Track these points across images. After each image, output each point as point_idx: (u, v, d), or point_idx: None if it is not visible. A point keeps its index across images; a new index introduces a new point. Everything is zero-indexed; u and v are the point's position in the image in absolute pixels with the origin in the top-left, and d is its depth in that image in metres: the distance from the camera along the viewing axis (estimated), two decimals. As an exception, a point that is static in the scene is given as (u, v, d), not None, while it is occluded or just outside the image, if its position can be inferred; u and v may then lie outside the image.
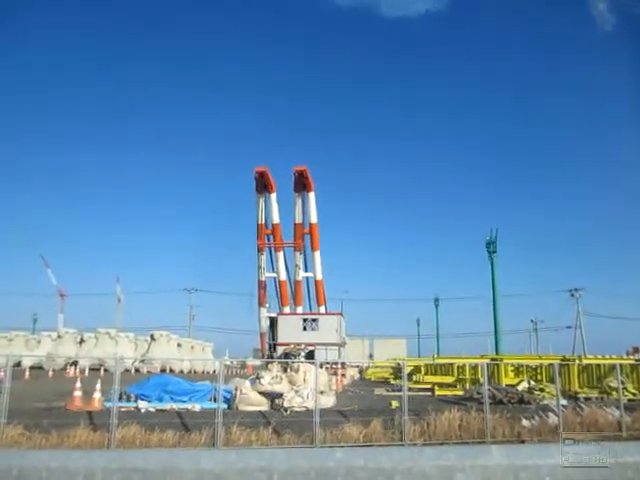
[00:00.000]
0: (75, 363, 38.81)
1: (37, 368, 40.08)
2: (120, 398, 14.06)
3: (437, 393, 22.04)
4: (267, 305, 55.22)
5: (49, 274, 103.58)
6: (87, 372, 35.28)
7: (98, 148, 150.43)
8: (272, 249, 58.56)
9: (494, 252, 52.31)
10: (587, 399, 18.54)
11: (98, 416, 13.18)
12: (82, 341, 47.43)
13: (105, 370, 34.92)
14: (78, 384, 15.39)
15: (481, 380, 18.59)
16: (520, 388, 19.21)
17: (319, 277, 58.27)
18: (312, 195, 56.26)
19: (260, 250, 56.31)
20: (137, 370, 40.97)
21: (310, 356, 37.72)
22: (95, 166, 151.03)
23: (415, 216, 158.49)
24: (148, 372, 38.63)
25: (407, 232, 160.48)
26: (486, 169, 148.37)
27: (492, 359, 25.78)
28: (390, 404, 16.19)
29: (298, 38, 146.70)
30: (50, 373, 34.24)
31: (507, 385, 20.38)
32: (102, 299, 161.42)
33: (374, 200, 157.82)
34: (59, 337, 48.51)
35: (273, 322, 44.30)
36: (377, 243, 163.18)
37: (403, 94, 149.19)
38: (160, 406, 14.59)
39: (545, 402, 16.90)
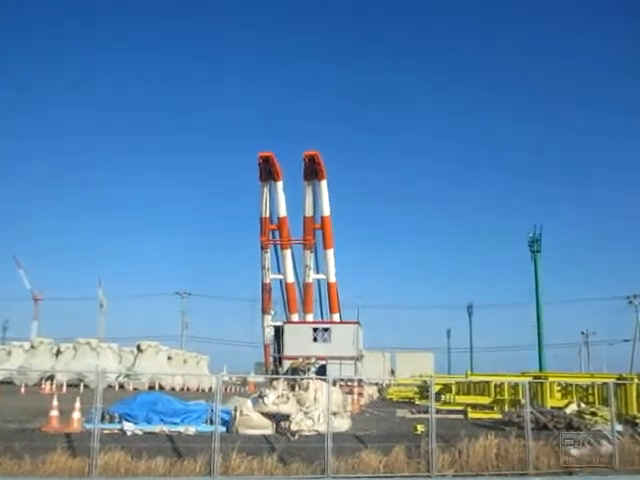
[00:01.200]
0: (51, 378, 39.13)
1: (7, 383, 40.51)
2: (102, 419, 14.16)
3: (470, 416, 21.97)
4: (272, 312, 55.51)
5: (22, 276, 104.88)
6: (65, 388, 35.54)
7: (76, 141, 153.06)
8: (278, 247, 58.79)
9: (538, 251, 51.98)
10: (648, 425, 18.38)
11: (77, 439, 13.31)
12: (59, 352, 47.85)
13: (85, 386, 35.18)
14: (55, 402, 15.53)
15: (522, 401, 18.50)
16: (568, 411, 19.06)
17: (332, 280, 58.37)
18: (324, 184, 56.31)
19: (264, 248, 56.45)
20: (122, 386, 41.25)
21: (321, 372, 37.85)
22: (72, 158, 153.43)
23: (444, 213, 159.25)
24: (134, 389, 38.86)
25: (434, 231, 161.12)
26: (529, 165, 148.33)
27: (535, 377, 25.63)
28: (415, 428, 16.18)
29: (310, 24, 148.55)
30: (22, 389, 34.59)
31: (553, 407, 20.23)
32: (82, 304, 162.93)
33: (395, 196, 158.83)
34: (33, 348, 49.00)
35: (278, 332, 44.59)
36: (400, 243, 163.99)
37: (432, 85, 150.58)
38: (148, 428, 14.69)
39: (597, 428, 16.77)
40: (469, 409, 23.15)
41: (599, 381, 22.95)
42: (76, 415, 15.00)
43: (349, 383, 32.90)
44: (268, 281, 57.09)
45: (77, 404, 15.07)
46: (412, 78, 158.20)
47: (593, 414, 18.56)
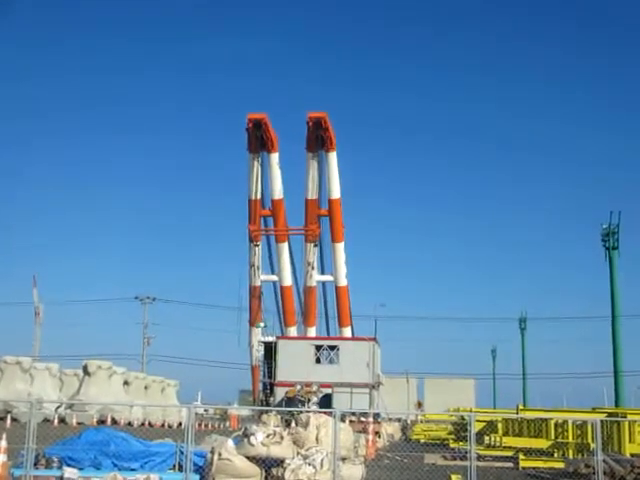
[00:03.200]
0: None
1: None
2: (36, 463, 14.12)
3: (523, 464, 21.95)
4: (262, 324, 55.45)
5: None
6: (-13, 422, 35.65)
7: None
8: (272, 239, 58.73)
9: (614, 248, 51.46)
10: None
11: (3, 489, 13.26)
12: (-20, 375, 47.90)
13: (14, 419, 35.30)
14: (-27, 440, 15.50)
15: (592, 446, 18.41)
16: (653, 459, 19.00)
17: (342, 283, 58.20)
18: (334, 157, 56.05)
19: (253, 240, 56.34)
20: (63, 420, 41.38)
21: (326, 403, 37.80)
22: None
23: (485, 199, 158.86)
24: (79, 424, 38.95)
25: (474, 222, 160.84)
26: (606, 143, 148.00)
27: (610, 414, 25.56)
28: (449, 479, 16.13)
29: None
30: None
31: (633, 455, 20.17)
32: (11, 312, 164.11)
33: (428, 175, 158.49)
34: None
35: (271, 350, 44.42)
36: (431, 238, 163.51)
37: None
38: (97, 476, 14.65)
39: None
40: (521, 455, 23.11)
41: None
42: (1, 458, 14.98)
43: (362, 418, 32.89)
44: (258, 284, 57.01)
45: (2, 443, 15.04)
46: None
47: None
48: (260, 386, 46.38)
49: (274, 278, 58.53)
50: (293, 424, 16.61)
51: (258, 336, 53.59)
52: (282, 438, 15.65)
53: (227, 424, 51.60)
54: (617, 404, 45.65)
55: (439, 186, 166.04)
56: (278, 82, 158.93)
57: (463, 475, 14.84)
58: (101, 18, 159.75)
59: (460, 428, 34.89)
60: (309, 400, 37.91)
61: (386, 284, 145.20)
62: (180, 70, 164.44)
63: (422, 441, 39.49)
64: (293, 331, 57.41)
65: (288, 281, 58.43)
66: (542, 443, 25.41)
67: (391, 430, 43.08)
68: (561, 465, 21.09)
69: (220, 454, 15.21)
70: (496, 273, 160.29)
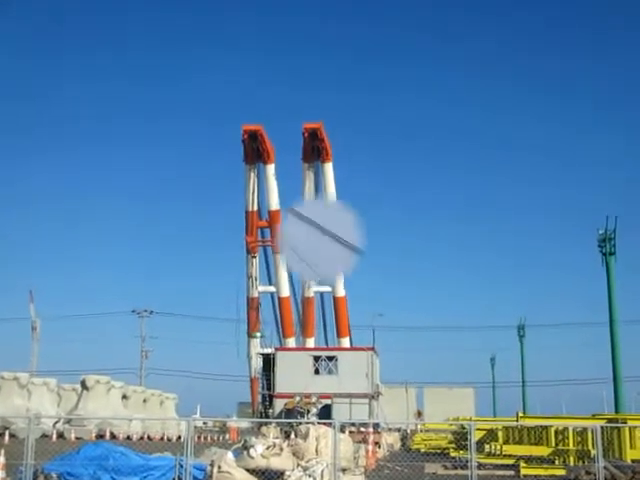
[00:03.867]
0: (-34, 424, 39.07)
1: None
2: (35, 479, 14.05)
3: (524, 472, 21.88)
4: (258, 334, 55.34)
5: None
6: (-15, 438, 35.48)
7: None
8: (269, 250, 58.80)
9: (612, 254, 51.56)
10: None
11: (1, 506, 13.20)
12: (-23, 391, 47.68)
13: (12, 435, 35.11)
14: (-29, 457, 15.43)
15: (593, 453, 18.37)
16: (654, 465, 18.95)
17: (340, 293, 58.23)
18: (330, 168, 56.18)
19: (251, 251, 56.38)
20: (61, 435, 41.20)
21: (325, 414, 37.72)
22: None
23: (482, 206, 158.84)
24: (78, 438, 38.79)
25: (471, 228, 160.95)
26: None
27: (610, 420, 25.51)
28: (451, 489, 16.10)
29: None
30: None
31: (634, 461, 20.12)
32: (8, 327, 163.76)
33: (425, 182, 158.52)
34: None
35: (269, 361, 44.35)
36: (429, 246, 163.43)
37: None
38: (96, 491, 14.59)
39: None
40: (522, 463, 23.05)
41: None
42: (-1, 474, 14.92)
43: (362, 429, 32.81)
44: (256, 295, 57.02)
45: (0, 459, 14.98)
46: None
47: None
48: (259, 398, 46.36)
49: (272, 289, 58.52)
50: (293, 436, 16.57)
51: (257, 348, 53.53)
52: (282, 450, 15.61)
53: (226, 437, 51.35)
54: (617, 410, 45.61)
55: (437, 193, 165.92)
56: (274, 91, 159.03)
57: (464, 484, 14.79)
58: (99, 26, 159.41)
59: (460, 437, 34.80)
60: (308, 411, 37.88)
61: (384, 293, 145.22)
62: (175, 80, 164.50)
63: (422, 451, 39.36)
64: (292, 342, 57.34)
65: (286, 292, 58.42)
66: (543, 450, 25.36)
67: (391, 440, 42.97)
68: (562, 472, 21.02)
69: (220, 467, 15.16)
70: (493, 281, 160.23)
